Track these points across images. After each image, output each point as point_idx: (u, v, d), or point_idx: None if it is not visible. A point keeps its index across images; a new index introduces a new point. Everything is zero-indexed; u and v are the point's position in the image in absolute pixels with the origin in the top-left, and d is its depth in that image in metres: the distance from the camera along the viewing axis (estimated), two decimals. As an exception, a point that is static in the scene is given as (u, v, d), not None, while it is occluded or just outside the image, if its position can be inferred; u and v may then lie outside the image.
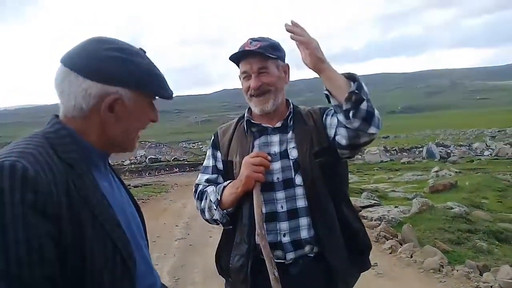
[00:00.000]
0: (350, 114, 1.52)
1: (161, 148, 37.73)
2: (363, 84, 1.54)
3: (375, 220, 7.34)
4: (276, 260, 1.64)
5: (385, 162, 26.34)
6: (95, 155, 1.05)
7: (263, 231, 1.58)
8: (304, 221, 1.66)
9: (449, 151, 26.79)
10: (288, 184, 1.68)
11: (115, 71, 0.99)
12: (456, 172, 16.51)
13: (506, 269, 4.33)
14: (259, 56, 1.67)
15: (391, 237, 6.13)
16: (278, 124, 1.75)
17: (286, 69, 1.77)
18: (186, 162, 31.45)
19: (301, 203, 1.66)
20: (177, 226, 7.97)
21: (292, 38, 1.55)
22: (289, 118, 1.75)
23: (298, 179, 1.67)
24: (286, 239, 1.65)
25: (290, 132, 1.74)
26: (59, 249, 0.87)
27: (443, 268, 4.67)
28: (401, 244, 5.75)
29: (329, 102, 1.62)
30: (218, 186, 1.75)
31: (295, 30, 1.54)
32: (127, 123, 1.05)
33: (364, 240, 1.80)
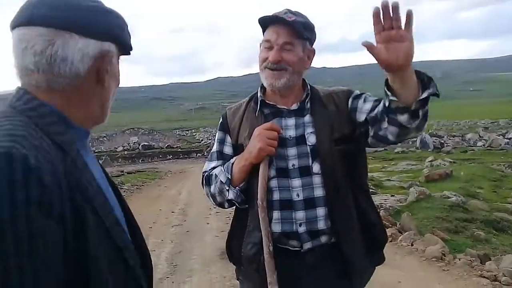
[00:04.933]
0: (420, 113, 1.34)
1: (154, 135, 37.49)
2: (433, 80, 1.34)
3: (372, 209, 7.31)
4: (291, 248, 1.57)
5: (379, 151, 26.35)
6: (82, 135, 0.91)
7: (264, 203, 1.51)
8: (321, 211, 1.55)
9: (442, 141, 26.83)
10: (304, 171, 1.56)
11: (105, 23, 0.87)
12: (450, 162, 16.56)
13: (510, 258, 4.30)
14: (289, 29, 1.53)
15: (390, 225, 6.09)
16: (294, 107, 1.63)
17: (311, 54, 1.64)
18: (179, 150, 31.38)
19: (319, 192, 1.55)
20: (173, 212, 7.89)
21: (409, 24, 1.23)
22: (306, 101, 1.63)
23: (316, 167, 1.55)
24: (302, 229, 1.55)
25: (308, 115, 1.61)
26: (66, 254, 0.72)
27: (445, 256, 4.63)
28: (400, 233, 5.71)
29: (389, 103, 1.37)
30: (225, 166, 1.64)
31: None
32: (113, 84, 0.93)
33: (381, 234, 1.69)
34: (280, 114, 1.63)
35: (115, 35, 0.89)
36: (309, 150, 1.57)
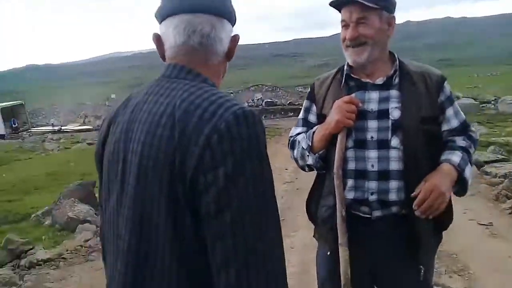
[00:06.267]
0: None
1: (277, 92, 38.16)
2: (466, 176, 1.62)
3: (499, 177, 6.71)
4: (362, 215, 1.69)
5: (522, 111, 23.29)
6: None
7: (340, 172, 1.63)
8: (394, 184, 1.63)
9: None
10: (382, 144, 1.63)
11: (233, 11, 1.05)
12: None
13: None
14: (360, 5, 1.59)
15: (515, 196, 5.61)
16: (380, 81, 1.68)
17: (391, 21, 1.66)
18: (301, 107, 31.31)
19: (394, 165, 1.62)
20: (286, 169, 8.24)
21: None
22: (394, 76, 1.67)
23: (395, 141, 1.62)
24: (373, 198, 1.65)
25: (394, 90, 1.65)
26: None
27: None
28: (524, 205, 5.24)
29: None
30: (307, 133, 1.78)
31: (431, 209, 1.57)
32: None
33: (449, 215, 1.72)
34: (364, 87, 1.70)
35: (235, 19, 1.06)
36: (390, 124, 1.62)
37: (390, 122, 1.63)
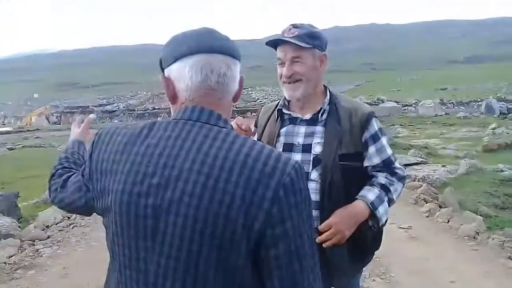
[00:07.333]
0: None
1: (211, 94, 38.14)
2: (379, 213, 1.68)
3: (418, 180, 7.22)
4: None
5: (440, 116, 25.29)
6: None
7: None
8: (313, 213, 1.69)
9: (511, 106, 25.13)
10: None
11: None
12: (515, 130, 15.58)
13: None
14: (294, 45, 1.67)
15: (431, 199, 6.06)
16: (308, 116, 1.77)
17: (323, 58, 1.76)
18: (235, 109, 31.53)
19: (313, 197, 1.66)
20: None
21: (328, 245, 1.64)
22: (321, 113, 1.75)
23: (314, 175, 1.69)
24: None
25: (320, 126, 1.74)
26: None
27: (478, 235, 4.60)
28: (440, 207, 5.68)
29: None
30: None
31: (327, 242, 1.62)
32: None
33: (372, 245, 1.80)
34: (295, 121, 1.80)
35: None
36: (311, 158, 1.71)
37: (311, 156, 1.71)
